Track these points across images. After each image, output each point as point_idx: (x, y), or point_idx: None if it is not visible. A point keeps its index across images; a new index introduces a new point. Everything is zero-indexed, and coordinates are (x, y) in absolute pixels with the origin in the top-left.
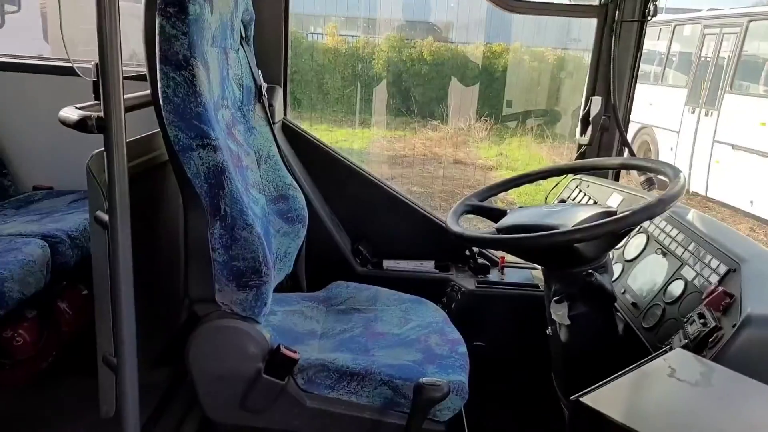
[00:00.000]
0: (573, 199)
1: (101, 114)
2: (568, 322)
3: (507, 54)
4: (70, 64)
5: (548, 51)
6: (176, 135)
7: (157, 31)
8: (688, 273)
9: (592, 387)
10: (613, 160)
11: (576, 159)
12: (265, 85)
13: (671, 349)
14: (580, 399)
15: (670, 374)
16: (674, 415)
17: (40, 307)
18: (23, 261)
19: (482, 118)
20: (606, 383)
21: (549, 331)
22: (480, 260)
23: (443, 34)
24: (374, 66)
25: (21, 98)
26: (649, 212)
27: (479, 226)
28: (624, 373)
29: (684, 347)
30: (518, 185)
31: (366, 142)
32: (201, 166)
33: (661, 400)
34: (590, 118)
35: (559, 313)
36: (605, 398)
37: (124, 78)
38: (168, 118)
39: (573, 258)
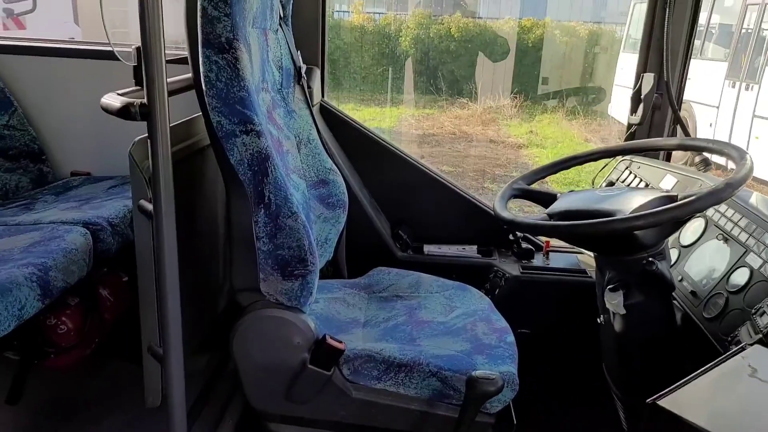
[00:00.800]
0: (623, 181)
1: (144, 100)
2: (623, 311)
3: (537, 29)
4: (105, 48)
5: (579, 25)
6: (219, 121)
7: (199, 14)
8: (754, 260)
9: (668, 389)
10: (670, 141)
11: (626, 139)
12: (304, 67)
13: (739, 341)
14: (658, 402)
15: (751, 374)
16: (760, 418)
17: (83, 295)
18: (66, 249)
19: (512, 95)
20: (683, 384)
21: (601, 319)
22: (524, 245)
23: (471, 9)
24: (401, 43)
25: (57, 83)
26: (715, 197)
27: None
28: (701, 374)
29: (758, 342)
30: (567, 167)
31: (394, 121)
32: (244, 153)
33: (744, 402)
34: (641, 96)
35: (614, 302)
36: (685, 401)
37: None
38: (211, 103)
39: (630, 245)
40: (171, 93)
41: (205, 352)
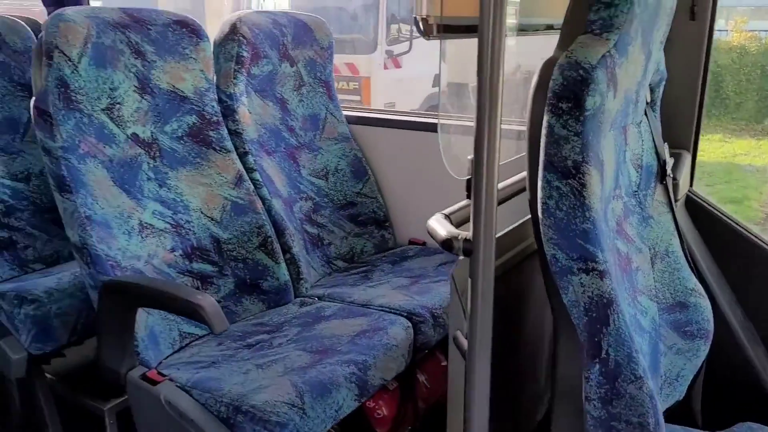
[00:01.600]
0: None
1: (469, 236)
2: None
3: None
4: (454, 122)
5: None
6: (554, 254)
7: (543, 132)
8: None
9: None
10: None
11: None
12: (671, 162)
13: None
14: None
15: None
16: None
17: (401, 379)
18: (387, 345)
19: None
20: None
21: None
22: None
23: None
24: None
25: (403, 153)
26: None
27: None
28: None
29: None
30: None
31: None
32: (581, 294)
33: None
34: None
35: None
36: None
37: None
38: (546, 233)
39: None
40: (502, 200)
41: None
